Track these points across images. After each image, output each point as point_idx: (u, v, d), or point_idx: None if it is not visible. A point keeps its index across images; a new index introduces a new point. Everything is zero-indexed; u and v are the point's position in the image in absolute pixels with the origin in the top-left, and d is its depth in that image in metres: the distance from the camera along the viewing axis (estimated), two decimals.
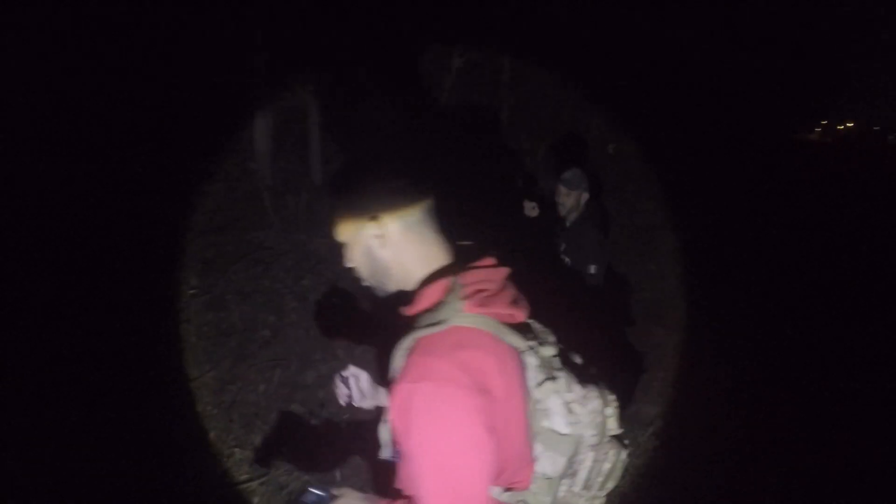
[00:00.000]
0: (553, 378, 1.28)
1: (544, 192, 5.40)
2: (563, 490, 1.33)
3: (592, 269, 3.37)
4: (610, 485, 1.39)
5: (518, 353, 1.25)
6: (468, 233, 1.41)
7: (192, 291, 4.57)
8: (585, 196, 3.51)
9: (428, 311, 1.21)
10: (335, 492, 1.38)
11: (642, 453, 3.76)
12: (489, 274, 1.28)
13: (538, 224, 3.79)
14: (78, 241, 4.22)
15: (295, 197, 5.58)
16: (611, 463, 1.36)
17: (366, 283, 1.36)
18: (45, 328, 3.69)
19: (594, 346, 3.74)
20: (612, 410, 1.35)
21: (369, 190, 1.26)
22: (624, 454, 1.39)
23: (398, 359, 1.19)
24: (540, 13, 6.69)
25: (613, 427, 1.35)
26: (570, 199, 3.47)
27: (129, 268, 4.26)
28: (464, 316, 1.18)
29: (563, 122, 7.07)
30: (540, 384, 1.26)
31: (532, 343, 1.30)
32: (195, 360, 4.04)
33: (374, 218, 1.25)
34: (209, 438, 3.48)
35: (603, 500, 1.41)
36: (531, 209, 3.72)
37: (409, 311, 1.26)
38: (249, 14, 5.35)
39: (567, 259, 3.46)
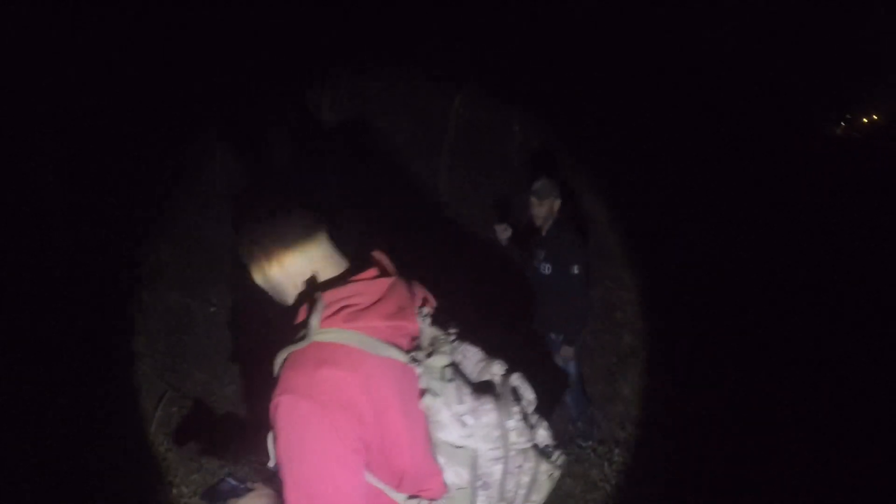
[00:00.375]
0: (432, 391, 1.30)
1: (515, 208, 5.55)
2: (481, 500, 1.35)
3: (575, 269, 3.48)
4: (535, 497, 1.41)
5: (405, 365, 1.29)
6: (364, 248, 1.45)
7: (212, 309, 4.79)
8: (558, 203, 3.57)
9: (299, 326, 1.25)
10: (250, 485, 1.42)
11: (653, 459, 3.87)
12: (362, 287, 1.29)
13: (516, 240, 3.82)
14: (100, 255, 4.44)
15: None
16: (529, 476, 1.38)
17: (275, 300, 1.40)
18: (68, 339, 3.90)
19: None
20: (514, 423, 1.35)
21: (245, 219, 1.35)
22: (546, 466, 1.40)
23: (275, 370, 1.23)
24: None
25: (520, 440, 1.36)
26: (543, 209, 3.54)
27: (149, 284, 4.50)
28: (322, 332, 1.21)
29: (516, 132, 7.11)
30: (421, 396, 1.30)
31: (418, 354, 1.32)
32: (216, 375, 4.25)
33: (253, 242, 1.32)
34: (230, 448, 3.67)
35: None
36: (503, 231, 3.75)
37: (290, 326, 1.29)
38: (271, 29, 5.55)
39: (548, 266, 3.57)
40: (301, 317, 1.26)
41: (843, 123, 22.73)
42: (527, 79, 6.71)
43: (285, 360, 1.21)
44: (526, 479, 1.38)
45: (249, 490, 1.41)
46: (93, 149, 4.70)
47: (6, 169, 4.24)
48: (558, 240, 3.55)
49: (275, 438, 1.17)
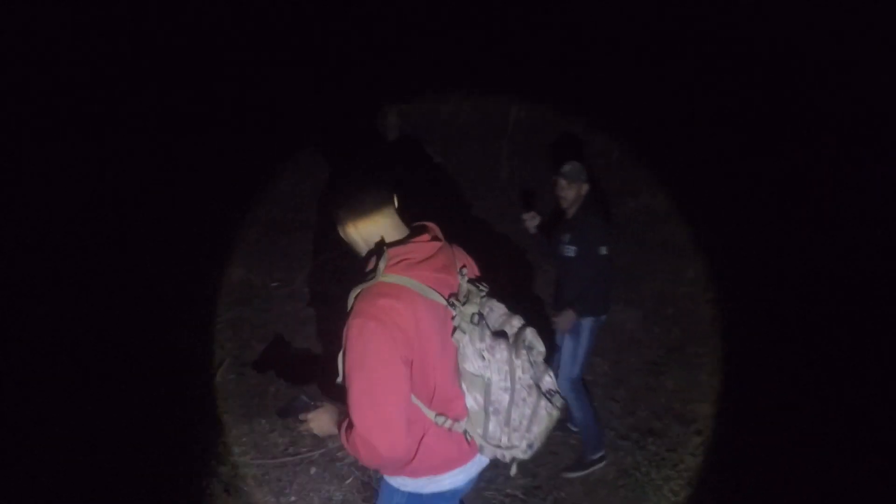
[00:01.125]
0: (461, 329, 1.74)
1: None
2: (492, 424, 1.76)
3: (603, 249, 3.46)
4: (535, 429, 1.79)
5: (445, 308, 1.73)
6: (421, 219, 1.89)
7: (273, 284, 5.08)
8: (586, 187, 3.53)
9: (369, 272, 1.67)
10: (319, 403, 1.84)
11: (687, 452, 3.88)
12: (417, 247, 1.72)
13: (542, 227, 3.74)
14: (175, 236, 4.80)
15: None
16: (531, 409, 1.77)
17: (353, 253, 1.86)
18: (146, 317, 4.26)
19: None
20: (521, 362, 1.74)
21: (339, 196, 1.78)
22: (545, 403, 1.80)
23: (349, 303, 1.65)
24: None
25: (524, 376, 1.76)
26: (571, 192, 3.50)
27: (215, 260, 4.83)
28: (385, 276, 1.63)
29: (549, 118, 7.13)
30: (453, 333, 1.74)
31: (455, 301, 1.75)
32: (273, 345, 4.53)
33: (339, 209, 1.77)
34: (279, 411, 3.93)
35: (532, 440, 1.80)
36: (531, 219, 3.66)
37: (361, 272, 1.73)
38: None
39: (573, 248, 3.51)
40: (370, 266, 1.70)
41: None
42: (586, 75, 6.73)
43: (357, 294, 1.64)
44: (528, 411, 1.77)
45: (318, 406, 1.84)
46: (169, 143, 5.10)
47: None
48: (585, 222, 3.51)
49: (345, 354, 1.60)
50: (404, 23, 6.67)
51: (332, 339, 4.40)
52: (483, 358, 1.72)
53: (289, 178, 6.37)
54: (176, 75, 5.43)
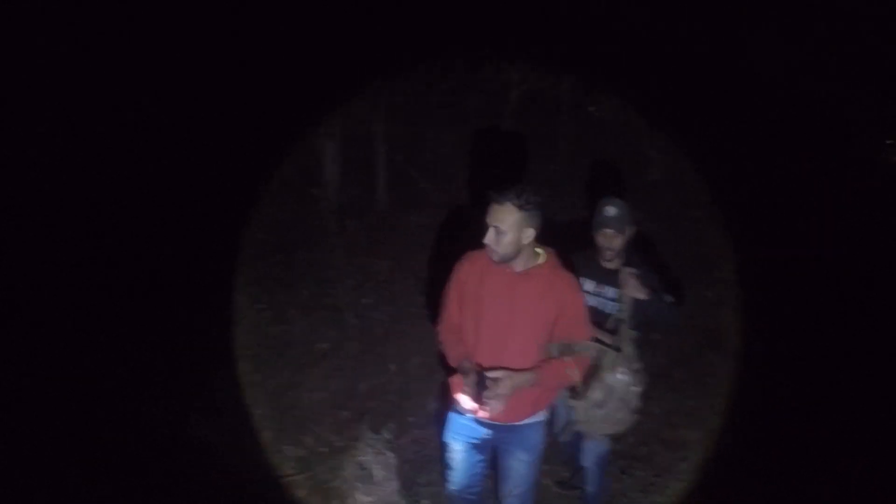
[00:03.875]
0: None
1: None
2: None
3: (669, 297, 2.81)
4: None
5: None
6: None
7: (259, 306, 5.04)
8: (632, 229, 2.83)
9: (545, 262, 2.41)
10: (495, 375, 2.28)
11: (673, 477, 3.87)
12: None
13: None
14: (162, 258, 4.76)
15: (356, 221, 6.01)
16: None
17: (495, 256, 2.30)
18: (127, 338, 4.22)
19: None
20: None
21: (536, 213, 2.29)
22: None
23: (553, 276, 2.38)
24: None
25: None
26: (618, 241, 2.79)
27: (205, 284, 4.78)
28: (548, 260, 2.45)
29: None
30: None
31: None
32: (259, 368, 4.48)
33: (533, 227, 2.29)
34: (264, 436, 3.88)
35: None
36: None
37: (536, 264, 2.39)
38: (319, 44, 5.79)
39: (617, 305, 2.75)
40: (531, 255, 2.39)
41: None
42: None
43: (554, 269, 2.41)
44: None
45: (495, 378, 2.26)
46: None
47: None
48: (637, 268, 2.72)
49: (560, 296, 2.37)
50: None
51: (319, 359, 4.34)
52: None
53: (271, 203, 6.35)
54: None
